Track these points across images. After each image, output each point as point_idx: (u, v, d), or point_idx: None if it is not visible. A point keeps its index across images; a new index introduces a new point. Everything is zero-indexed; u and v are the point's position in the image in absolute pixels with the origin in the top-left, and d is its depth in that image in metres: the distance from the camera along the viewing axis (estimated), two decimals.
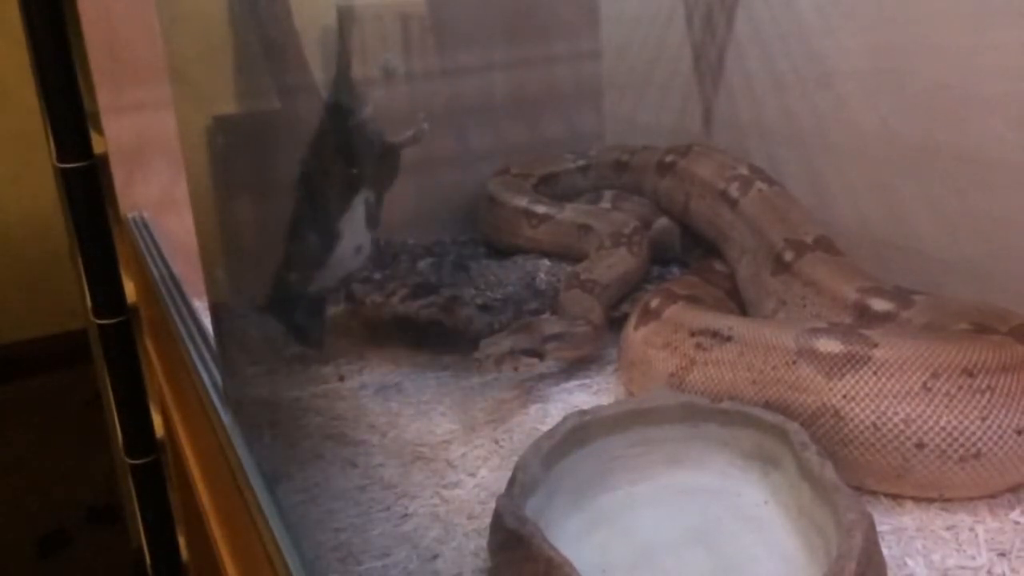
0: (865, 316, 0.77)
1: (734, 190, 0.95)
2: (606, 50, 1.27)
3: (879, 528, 0.61)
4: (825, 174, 0.99)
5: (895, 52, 0.90)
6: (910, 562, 0.61)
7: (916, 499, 0.67)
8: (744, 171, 0.97)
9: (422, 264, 0.94)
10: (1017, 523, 0.65)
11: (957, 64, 0.84)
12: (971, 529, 0.64)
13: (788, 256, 0.86)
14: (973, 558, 0.61)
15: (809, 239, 0.87)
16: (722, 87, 1.12)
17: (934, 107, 0.86)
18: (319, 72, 1.16)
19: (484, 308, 0.91)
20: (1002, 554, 0.62)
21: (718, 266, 0.95)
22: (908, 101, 0.89)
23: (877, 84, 0.92)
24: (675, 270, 1.03)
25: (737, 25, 1.07)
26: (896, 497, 0.68)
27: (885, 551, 0.59)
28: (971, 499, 0.67)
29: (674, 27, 1.17)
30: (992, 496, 0.67)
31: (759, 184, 0.94)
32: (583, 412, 0.69)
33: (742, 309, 0.91)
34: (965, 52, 0.83)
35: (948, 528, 0.65)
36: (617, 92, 1.28)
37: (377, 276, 0.93)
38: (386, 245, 1.01)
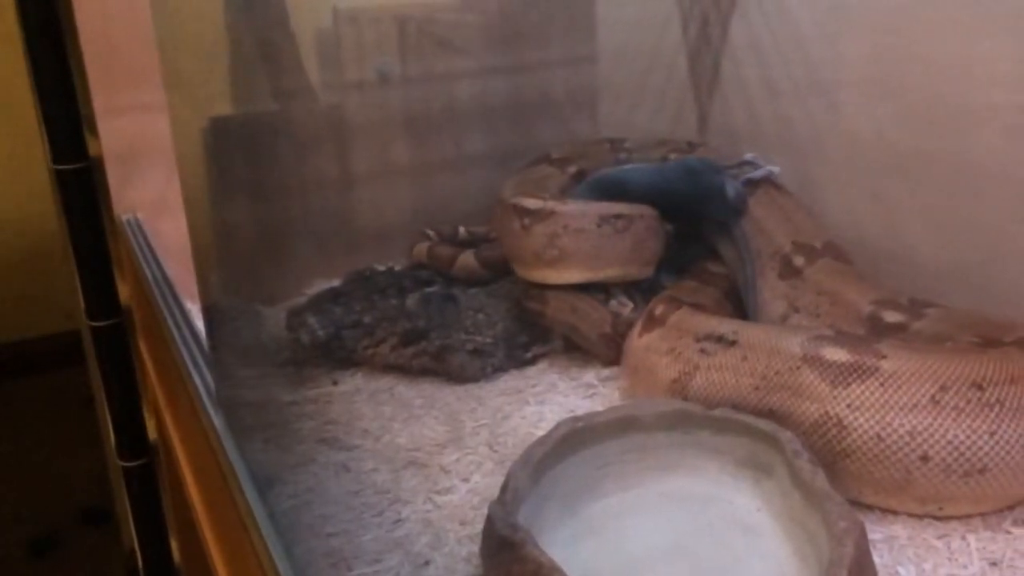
0: (877, 328, 0.77)
1: None
2: (602, 55, 1.27)
3: (871, 536, 0.61)
4: (820, 182, 0.99)
5: (890, 61, 0.90)
6: (902, 571, 0.61)
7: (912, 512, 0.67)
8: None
9: (410, 301, 0.94)
10: (1009, 533, 0.65)
11: (952, 74, 0.84)
12: (963, 538, 0.64)
13: (798, 260, 0.86)
14: (965, 567, 0.61)
15: (818, 244, 0.87)
16: (717, 94, 1.12)
17: (929, 116, 0.87)
18: (315, 74, 1.16)
19: (475, 353, 0.92)
20: (994, 563, 0.62)
21: (712, 267, 0.95)
22: (903, 110, 0.89)
23: (872, 93, 0.92)
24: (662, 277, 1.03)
25: (733, 32, 1.08)
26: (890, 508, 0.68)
27: (877, 560, 0.59)
28: (968, 516, 0.66)
29: (670, 33, 1.17)
30: (990, 512, 0.67)
31: (765, 187, 0.94)
32: (576, 418, 0.69)
33: (739, 311, 0.91)
34: (959, 62, 0.83)
35: (940, 537, 0.65)
36: (612, 97, 1.28)
37: (367, 320, 0.93)
38: (372, 275, 1.01)
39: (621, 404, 0.82)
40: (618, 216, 0.90)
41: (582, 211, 0.91)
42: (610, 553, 0.63)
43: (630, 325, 0.88)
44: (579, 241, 0.90)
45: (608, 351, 0.91)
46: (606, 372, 0.91)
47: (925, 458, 0.64)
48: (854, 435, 0.66)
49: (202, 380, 0.86)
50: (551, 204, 0.91)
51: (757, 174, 0.94)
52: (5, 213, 2.98)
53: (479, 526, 0.64)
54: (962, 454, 0.63)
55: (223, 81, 1.07)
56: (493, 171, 1.18)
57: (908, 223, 0.91)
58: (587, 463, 0.68)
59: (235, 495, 0.70)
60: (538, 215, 0.90)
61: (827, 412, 0.67)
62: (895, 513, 0.67)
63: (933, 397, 0.64)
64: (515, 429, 0.82)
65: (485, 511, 0.61)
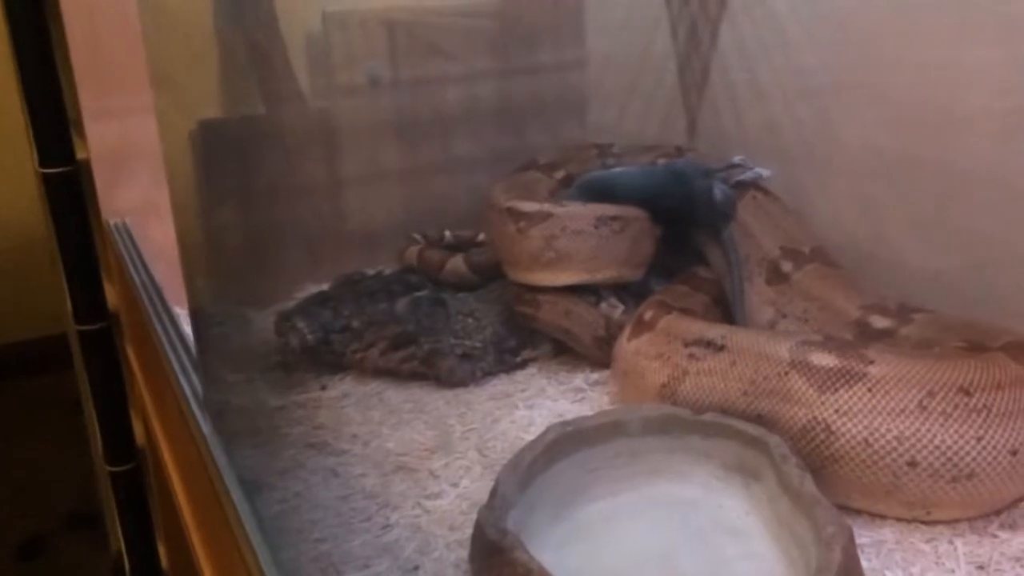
0: (865, 333, 0.78)
1: None
2: (591, 60, 1.27)
3: (859, 541, 0.61)
4: (808, 186, 0.99)
5: (878, 67, 0.90)
6: (889, 575, 0.62)
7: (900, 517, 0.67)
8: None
9: (399, 306, 0.94)
10: (996, 537, 0.65)
11: (939, 79, 0.84)
12: (950, 542, 0.65)
13: (786, 266, 0.86)
14: (952, 571, 0.62)
15: (806, 249, 0.87)
16: (706, 98, 1.12)
17: (916, 121, 0.87)
18: (304, 78, 1.16)
19: (465, 357, 0.92)
20: (981, 567, 0.62)
21: (702, 272, 0.96)
22: (890, 115, 0.89)
23: (860, 98, 0.93)
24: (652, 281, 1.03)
25: (721, 37, 1.08)
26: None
27: (865, 564, 0.60)
28: (956, 520, 0.67)
29: (659, 38, 1.18)
30: (978, 516, 0.67)
31: (753, 192, 0.95)
32: (565, 423, 0.69)
33: (728, 316, 0.91)
34: (947, 68, 0.83)
35: (928, 541, 0.65)
36: (602, 102, 1.28)
37: (356, 324, 0.93)
38: (361, 279, 1.00)
39: (610, 408, 0.82)
40: (614, 218, 0.90)
41: (579, 213, 0.91)
42: (599, 558, 0.63)
43: (623, 328, 0.88)
44: (576, 243, 0.90)
45: (602, 354, 0.91)
46: (595, 376, 0.91)
47: (913, 463, 0.64)
48: (842, 440, 0.66)
49: (190, 384, 0.86)
50: (547, 206, 0.91)
51: (746, 176, 0.94)
52: None
53: (468, 531, 0.64)
54: (949, 459, 0.64)
55: (212, 84, 1.06)
56: (483, 175, 1.18)
57: (896, 228, 0.91)
58: (576, 468, 0.68)
59: (223, 500, 0.70)
60: (534, 217, 0.90)
61: (815, 417, 0.67)
62: (883, 517, 0.67)
63: (920, 402, 0.64)
64: (504, 434, 0.82)
65: (474, 516, 0.61)
